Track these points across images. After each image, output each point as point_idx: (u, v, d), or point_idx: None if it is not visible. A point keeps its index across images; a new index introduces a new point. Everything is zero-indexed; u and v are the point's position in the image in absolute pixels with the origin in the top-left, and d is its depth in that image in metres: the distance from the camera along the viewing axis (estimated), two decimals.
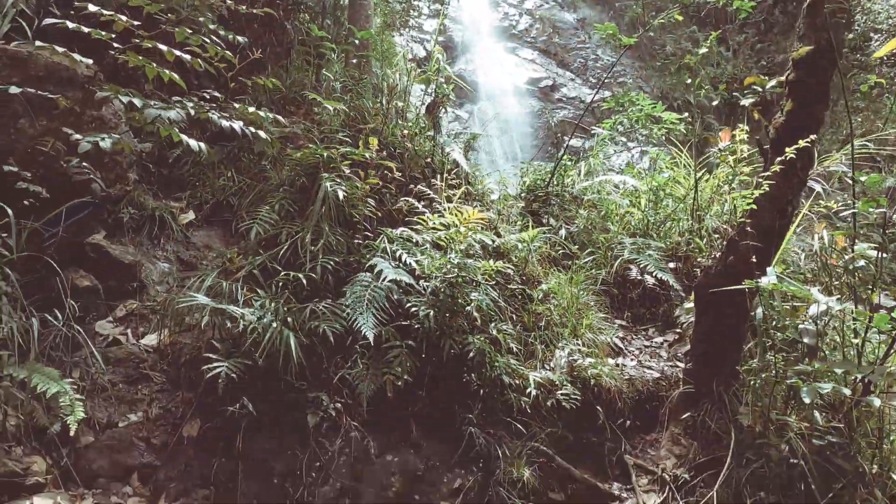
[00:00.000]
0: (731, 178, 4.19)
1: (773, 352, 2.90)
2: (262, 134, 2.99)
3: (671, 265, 4.66)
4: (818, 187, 4.30)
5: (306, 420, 3.37)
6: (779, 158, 2.73)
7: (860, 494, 2.79)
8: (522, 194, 5.91)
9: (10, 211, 2.92)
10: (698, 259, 4.44)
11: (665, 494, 3.33)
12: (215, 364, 3.31)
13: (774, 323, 2.88)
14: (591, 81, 13.30)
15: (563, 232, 5.30)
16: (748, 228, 2.84)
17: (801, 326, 3.14)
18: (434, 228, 3.64)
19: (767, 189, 2.80)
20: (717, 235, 4.54)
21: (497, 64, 13.39)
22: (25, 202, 3.25)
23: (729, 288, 2.72)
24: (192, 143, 2.82)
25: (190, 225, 5.52)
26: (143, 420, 3.71)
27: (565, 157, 5.97)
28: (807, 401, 2.56)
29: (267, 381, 3.47)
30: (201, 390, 3.76)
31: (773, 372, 2.93)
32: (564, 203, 5.84)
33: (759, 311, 2.92)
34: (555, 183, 5.94)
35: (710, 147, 4.65)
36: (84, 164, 3.21)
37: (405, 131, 4.69)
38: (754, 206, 2.81)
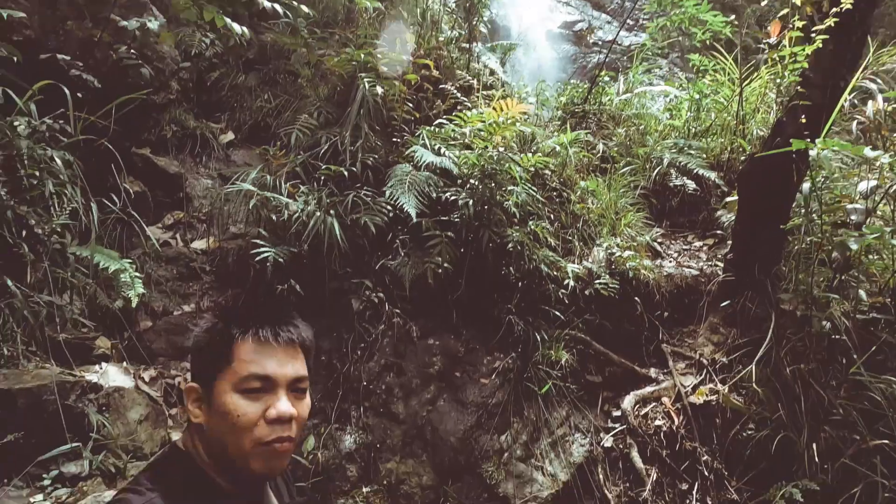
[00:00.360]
0: (779, 77, 4.05)
1: (820, 214, 2.84)
2: (304, 8, 3.01)
3: (713, 174, 4.58)
4: (873, 85, 4.12)
5: (351, 304, 3.50)
6: (834, 10, 2.62)
7: None
8: (559, 112, 5.84)
9: (66, 91, 3.04)
10: (742, 159, 4.35)
11: (702, 376, 3.37)
12: (262, 250, 3.43)
13: (821, 191, 2.82)
14: (629, 24, 12.81)
15: (600, 146, 5.24)
16: (800, 89, 2.76)
17: (848, 206, 3.08)
18: (474, 120, 3.64)
19: (821, 45, 2.70)
20: (762, 138, 4.43)
21: (530, 7, 13.02)
22: (79, 94, 3.37)
23: (777, 151, 2.66)
24: (236, 27, 2.86)
25: (230, 144, 5.67)
26: (196, 311, 3.90)
27: (603, 73, 5.84)
28: (854, 247, 2.53)
29: (312, 269, 3.59)
30: (249, 284, 3.92)
31: (820, 235, 2.89)
32: (602, 121, 5.75)
33: (806, 185, 2.86)
34: (591, 101, 5.84)
35: (761, 39, 4.47)
36: (132, 51, 3.30)
37: (441, 38, 4.65)
38: (805, 65, 2.72)
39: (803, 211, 2.90)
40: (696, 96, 5.09)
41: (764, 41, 3.94)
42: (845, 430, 2.69)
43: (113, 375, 2.98)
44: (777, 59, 3.90)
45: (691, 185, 4.49)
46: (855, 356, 2.80)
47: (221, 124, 5.79)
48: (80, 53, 3.74)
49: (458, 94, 3.99)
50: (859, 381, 2.72)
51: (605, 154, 4.87)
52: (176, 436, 3.08)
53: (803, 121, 2.72)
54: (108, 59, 3.41)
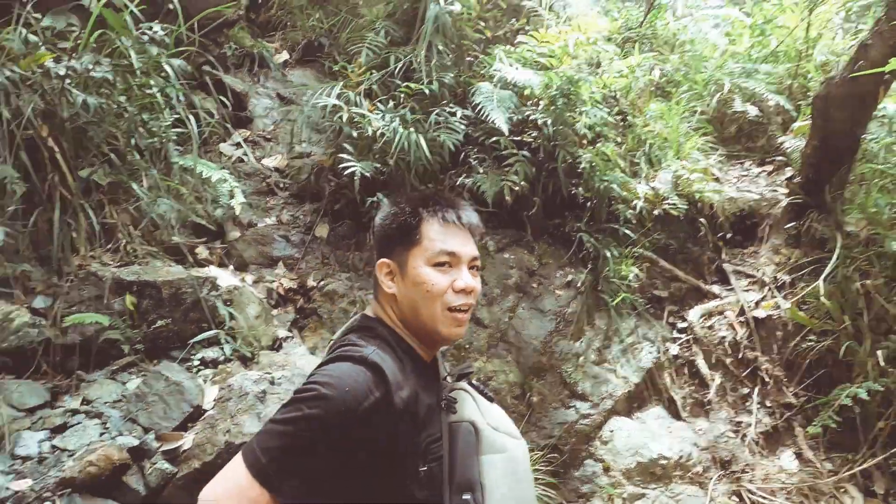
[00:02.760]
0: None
1: None
2: None
3: (782, 98, 4.59)
4: None
5: None
6: None
7: None
8: (612, 37, 5.78)
9: None
10: (809, 84, 4.38)
11: (764, 293, 3.57)
12: (349, 164, 3.57)
13: None
14: None
15: (656, 72, 5.23)
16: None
17: None
18: (552, 39, 3.67)
19: None
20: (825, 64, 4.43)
21: None
22: (170, 5, 3.41)
23: (868, 73, 2.74)
24: None
25: (285, 64, 5.69)
26: (278, 223, 4.09)
27: None
28: None
29: (393, 185, 3.75)
30: (326, 200, 4.10)
31: None
32: (655, 47, 5.71)
33: (893, 107, 2.95)
34: (645, 25, 5.78)
35: None
36: None
37: None
38: None
39: (884, 133, 3.00)
40: (760, 21, 5.03)
41: None
42: None
43: (224, 277, 3.21)
44: None
45: (753, 110, 4.54)
46: None
47: (276, 44, 5.79)
48: None
49: (538, 8, 4.00)
50: None
51: (661, 80, 4.89)
52: (282, 333, 3.35)
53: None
54: None
